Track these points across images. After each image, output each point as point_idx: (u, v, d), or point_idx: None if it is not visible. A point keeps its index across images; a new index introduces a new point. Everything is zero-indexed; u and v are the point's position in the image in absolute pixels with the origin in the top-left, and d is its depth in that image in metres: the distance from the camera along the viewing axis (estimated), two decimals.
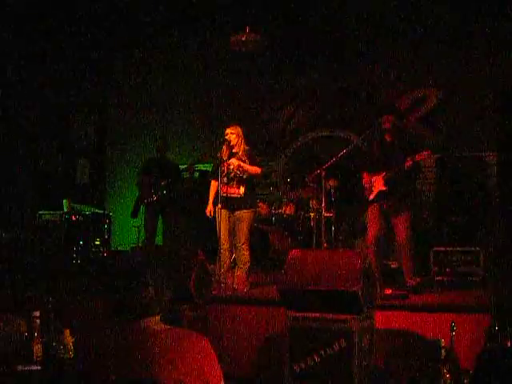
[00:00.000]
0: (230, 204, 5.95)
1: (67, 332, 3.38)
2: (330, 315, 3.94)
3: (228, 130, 6.05)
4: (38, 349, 3.27)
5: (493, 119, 7.70)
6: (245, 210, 5.97)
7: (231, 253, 6.11)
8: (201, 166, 8.35)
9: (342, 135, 8.70)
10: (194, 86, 9.44)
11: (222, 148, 6.04)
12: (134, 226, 7.75)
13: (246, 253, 5.96)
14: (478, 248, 6.28)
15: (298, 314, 4.03)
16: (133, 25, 9.27)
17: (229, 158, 5.98)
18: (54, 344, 3.35)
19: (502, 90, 7.63)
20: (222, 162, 5.93)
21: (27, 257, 7.17)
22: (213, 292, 5.27)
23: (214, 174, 6.12)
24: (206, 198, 6.24)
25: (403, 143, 5.79)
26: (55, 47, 8.85)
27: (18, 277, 6.39)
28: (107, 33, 9.25)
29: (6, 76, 8.43)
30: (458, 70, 7.99)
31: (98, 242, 7.71)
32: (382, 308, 4.57)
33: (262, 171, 6.18)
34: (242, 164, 5.93)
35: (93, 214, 7.86)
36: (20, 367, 3.17)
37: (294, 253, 4.30)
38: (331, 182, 7.14)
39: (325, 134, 8.93)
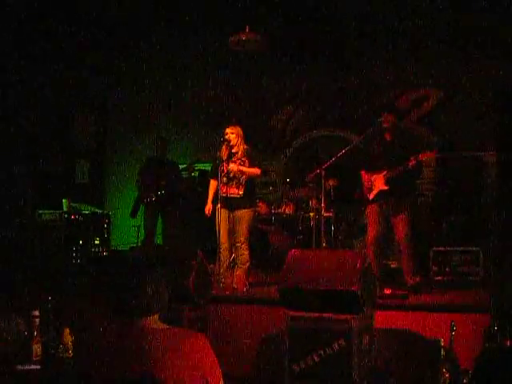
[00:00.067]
0: (230, 204, 5.96)
1: (67, 331, 3.38)
2: (330, 315, 3.94)
3: (228, 130, 6.05)
4: (37, 348, 3.28)
5: (493, 119, 7.70)
6: (244, 210, 5.98)
7: (231, 252, 6.11)
8: (200, 166, 8.36)
9: (342, 135, 8.70)
10: (194, 85, 9.44)
11: (221, 148, 6.04)
12: (134, 226, 7.76)
13: (246, 252, 5.96)
14: (477, 248, 6.29)
15: (297, 314, 4.03)
16: (133, 25, 9.27)
17: (229, 158, 5.98)
18: (53, 343, 3.36)
19: (502, 90, 7.62)
20: (221, 161, 5.94)
21: (27, 256, 7.17)
22: (212, 292, 5.26)
23: (214, 174, 6.12)
24: (206, 197, 6.25)
25: (403, 142, 5.79)
26: (55, 47, 8.84)
27: (18, 276, 6.40)
28: (107, 33, 9.24)
29: (6, 76, 8.42)
30: (458, 70, 8.00)
31: (97, 242, 7.71)
32: (382, 308, 4.57)
33: (261, 172, 6.19)
34: (241, 168, 5.95)
35: (92, 213, 7.86)
36: (19, 367, 3.18)
37: (294, 253, 4.30)
38: (331, 182, 7.15)
39: (325, 133, 8.93)
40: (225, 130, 6.08)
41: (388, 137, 5.80)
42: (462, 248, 6.33)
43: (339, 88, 8.81)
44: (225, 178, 5.92)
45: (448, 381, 3.20)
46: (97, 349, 2.30)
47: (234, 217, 5.99)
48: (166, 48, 9.55)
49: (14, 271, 6.60)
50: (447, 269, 6.23)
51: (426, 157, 5.58)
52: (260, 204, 7.64)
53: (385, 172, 5.70)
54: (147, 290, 2.31)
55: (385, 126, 5.74)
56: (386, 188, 5.69)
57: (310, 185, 7.52)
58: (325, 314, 3.95)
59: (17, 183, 8.60)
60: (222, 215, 5.91)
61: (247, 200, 6.02)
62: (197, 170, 8.44)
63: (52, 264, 7.04)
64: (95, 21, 8.99)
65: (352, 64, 8.60)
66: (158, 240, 7.65)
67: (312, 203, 7.60)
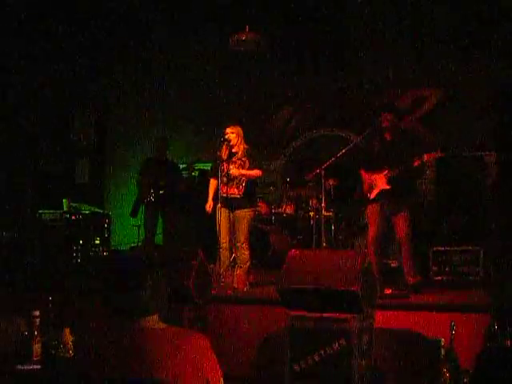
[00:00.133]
0: (230, 204, 5.96)
1: (67, 331, 3.38)
2: (330, 315, 3.94)
3: (228, 130, 6.05)
4: (37, 348, 3.28)
5: (493, 119, 7.70)
6: (245, 210, 5.98)
7: (231, 252, 6.11)
8: (200, 166, 8.36)
9: (342, 135, 8.70)
10: (194, 85, 9.44)
11: (221, 147, 6.04)
12: (134, 226, 7.76)
13: (246, 252, 5.96)
14: (477, 248, 6.29)
15: (297, 314, 4.03)
16: (133, 25, 9.27)
17: (229, 158, 5.98)
18: (53, 343, 3.35)
19: (501, 90, 7.63)
20: (221, 161, 5.94)
21: (27, 256, 7.18)
22: (212, 291, 5.26)
23: (214, 174, 6.13)
24: (206, 197, 6.24)
25: (403, 142, 5.78)
26: (55, 47, 8.84)
27: (18, 276, 6.40)
28: (107, 33, 9.24)
29: (6, 76, 8.42)
30: (458, 70, 8.00)
31: (97, 242, 7.71)
32: (382, 308, 4.56)
33: (262, 173, 6.19)
34: (242, 172, 5.95)
35: (92, 213, 7.86)
36: (19, 366, 3.18)
37: (294, 252, 4.29)
38: (331, 182, 7.15)
39: (325, 133, 8.93)
40: (225, 129, 6.09)
41: (388, 136, 5.79)
42: (462, 248, 6.33)
43: (339, 88, 8.81)
44: (225, 178, 5.92)
45: (448, 381, 3.20)
46: (97, 349, 2.30)
47: (234, 217, 5.99)
48: (165, 48, 9.55)
49: (14, 271, 6.61)
50: (447, 269, 6.23)
51: (431, 157, 5.58)
52: (260, 204, 7.64)
53: (386, 171, 5.69)
54: (147, 289, 2.31)
55: (384, 125, 5.74)
56: (387, 187, 5.68)
57: (310, 184, 7.53)
58: (325, 314, 3.94)
59: (17, 183, 8.60)
60: (223, 215, 5.91)
61: (247, 200, 6.02)
62: (197, 170, 8.44)
63: (52, 264, 7.04)
64: (95, 21, 9.00)
65: (352, 64, 8.60)
66: (158, 240, 7.65)
67: (312, 203, 7.60)
